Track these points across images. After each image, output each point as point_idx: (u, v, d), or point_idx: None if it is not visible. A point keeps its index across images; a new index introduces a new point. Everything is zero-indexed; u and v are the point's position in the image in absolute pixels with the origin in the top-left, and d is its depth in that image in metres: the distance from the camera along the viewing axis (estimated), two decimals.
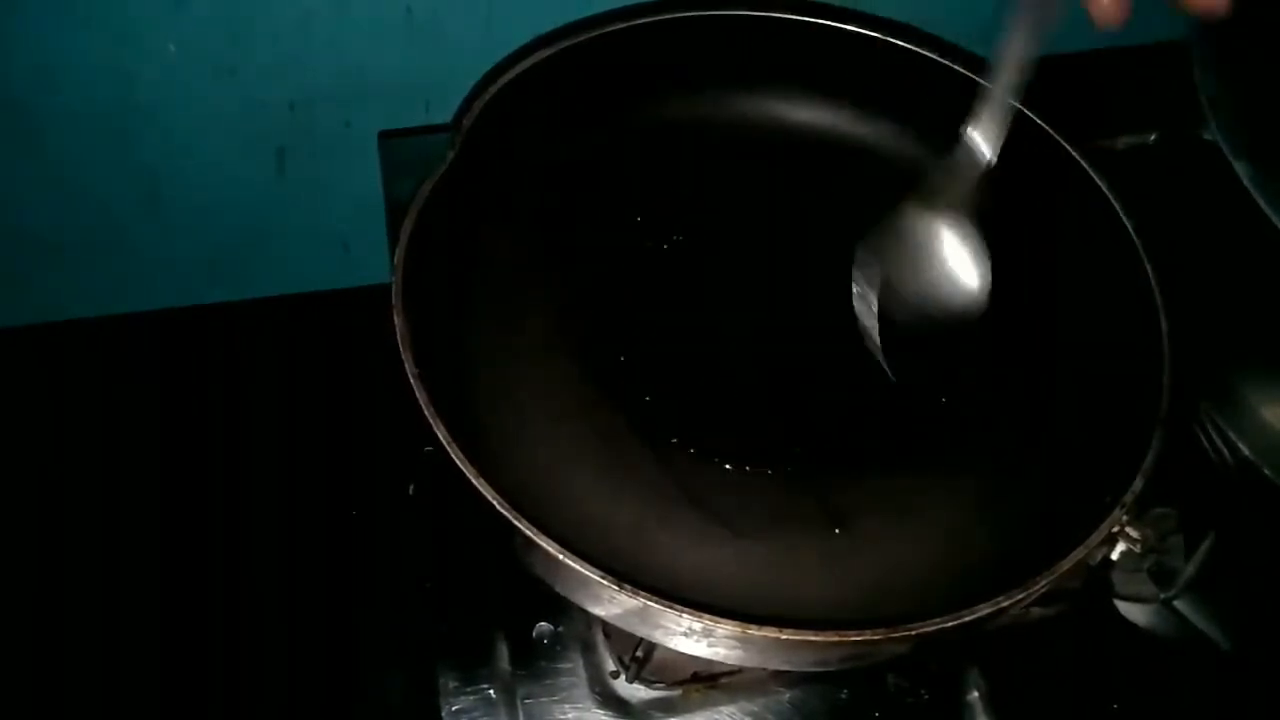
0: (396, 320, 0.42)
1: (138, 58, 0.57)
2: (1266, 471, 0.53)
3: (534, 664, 0.47)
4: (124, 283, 0.72)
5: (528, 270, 0.52)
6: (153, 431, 0.72)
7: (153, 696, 0.66)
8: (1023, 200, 0.55)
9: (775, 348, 0.52)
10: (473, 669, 0.46)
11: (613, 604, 0.38)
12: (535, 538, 0.37)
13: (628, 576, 0.37)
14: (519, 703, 0.46)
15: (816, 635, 0.37)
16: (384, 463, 0.65)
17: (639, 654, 0.45)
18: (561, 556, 0.37)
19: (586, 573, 0.37)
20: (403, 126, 0.62)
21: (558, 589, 0.41)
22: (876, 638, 0.37)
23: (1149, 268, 0.48)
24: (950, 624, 0.37)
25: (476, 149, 0.49)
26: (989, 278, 0.45)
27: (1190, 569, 0.44)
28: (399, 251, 0.45)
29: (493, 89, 0.50)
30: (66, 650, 0.67)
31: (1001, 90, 0.41)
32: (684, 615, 0.36)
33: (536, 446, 0.47)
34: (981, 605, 0.38)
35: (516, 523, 0.37)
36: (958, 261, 0.45)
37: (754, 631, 0.36)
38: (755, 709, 0.46)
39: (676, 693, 0.46)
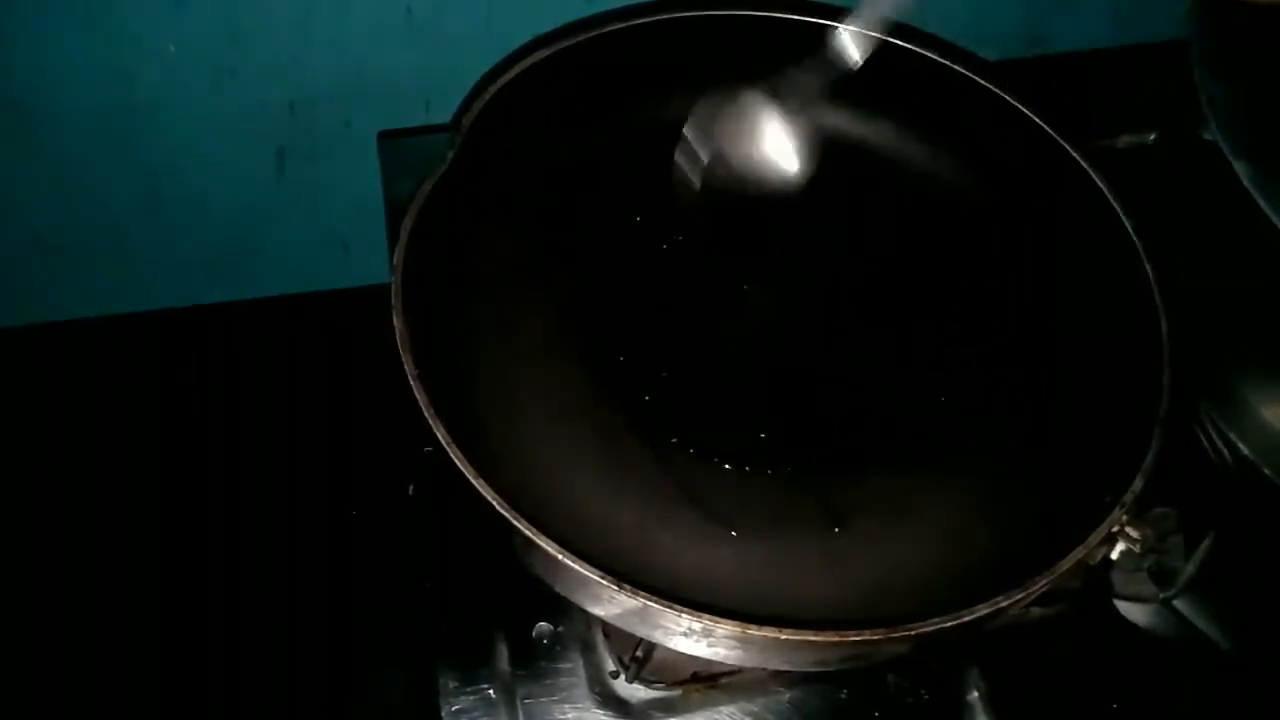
0: (396, 320, 0.42)
1: (138, 58, 0.57)
2: (1266, 471, 0.53)
3: (534, 664, 0.47)
4: (124, 283, 0.72)
5: (528, 270, 0.52)
6: (153, 431, 0.72)
7: (153, 696, 0.66)
8: (1023, 200, 0.55)
9: (775, 348, 0.52)
10: (473, 669, 0.46)
11: (613, 604, 0.38)
12: (535, 538, 0.37)
13: (628, 576, 0.37)
14: (519, 703, 0.46)
15: (816, 635, 0.37)
16: (384, 463, 0.66)
17: (639, 654, 0.45)
18: (561, 556, 0.37)
19: (586, 573, 0.37)
20: (403, 126, 0.62)
21: (558, 589, 0.41)
22: (876, 638, 0.37)
23: (1149, 268, 0.48)
24: (950, 624, 0.37)
25: (476, 149, 0.49)
26: (809, 167, 0.45)
27: (1190, 569, 0.44)
28: (399, 251, 0.45)
29: (493, 89, 0.50)
30: (67, 649, 0.67)
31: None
32: (684, 615, 0.36)
33: (536, 446, 0.47)
34: (981, 605, 0.38)
35: (516, 523, 0.37)
36: (783, 148, 0.45)
37: (754, 631, 0.36)
38: (755, 709, 0.46)
39: (676, 693, 0.46)
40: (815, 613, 0.40)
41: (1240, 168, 0.46)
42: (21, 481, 0.70)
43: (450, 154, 0.48)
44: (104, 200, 0.66)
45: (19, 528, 0.69)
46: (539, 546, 0.37)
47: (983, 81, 0.53)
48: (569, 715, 0.46)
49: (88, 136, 0.61)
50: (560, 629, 0.48)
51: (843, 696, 0.47)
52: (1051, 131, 0.52)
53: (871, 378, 0.51)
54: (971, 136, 0.56)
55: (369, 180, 0.59)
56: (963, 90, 0.54)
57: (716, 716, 0.46)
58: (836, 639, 0.37)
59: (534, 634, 0.48)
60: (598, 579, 0.37)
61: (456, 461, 0.39)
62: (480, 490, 0.38)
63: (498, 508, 0.38)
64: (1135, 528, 0.41)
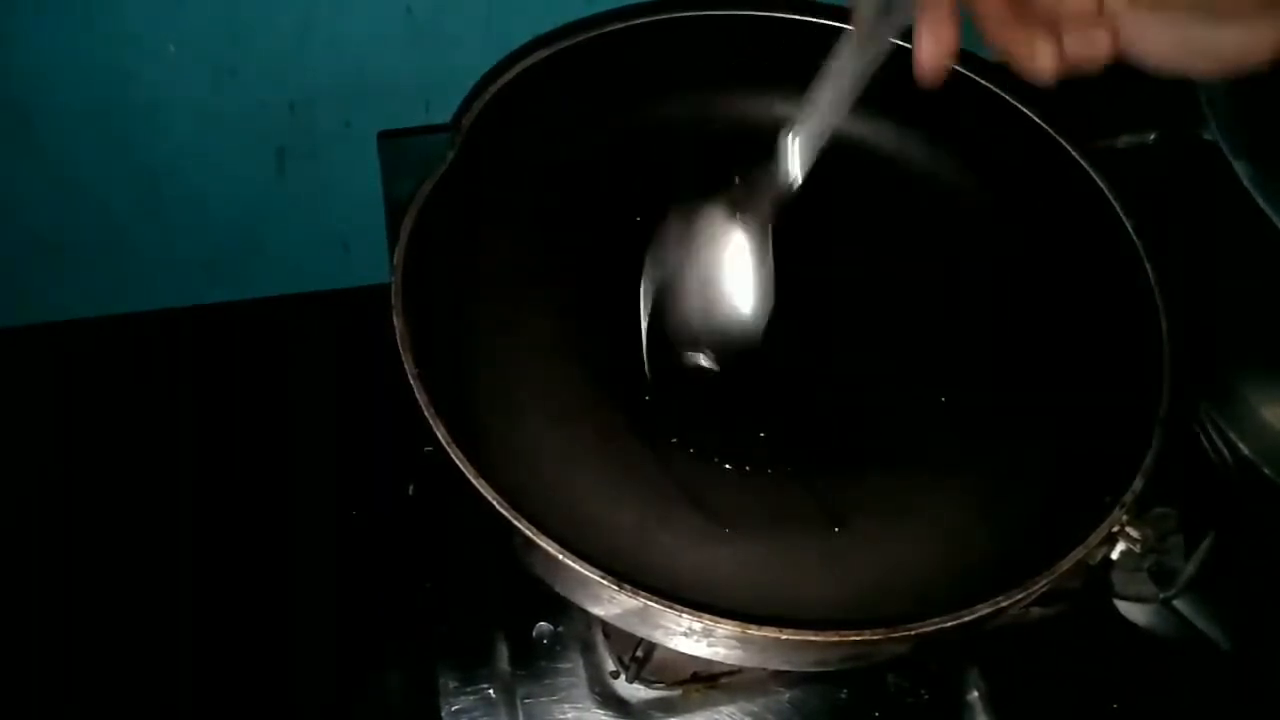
0: (396, 320, 0.42)
1: (138, 58, 0.57)
2: (1266, 471, 0.53)
3: (534, 664, 0.47)
4: (124, 283, 0.72)
5: (528, 270, 0.52)
6: (153, 431, 0.72)
7: (153, 696, 0.66)
8: (1023, 200, 0.55)
9: (775, 348, 0.52)
10: (473, 669, 0.46)
11: (613, 604, 0.38)
12: (535, 538, 0.37)
13: (628, 576, 0.37)
14: (519, 703, 0.46)
15: (816, 635, 0.37)
16: (384, 463, 0.65)
17: (639, 654, 0.45)
18: (561, 556, 0.37)
19: (586, 573, 0.37)
20: (403, 126, 0.62)
21: (558, 589, 0.41)
22: (876, 638, 0.37)
23: (1149, 268, 0.48)
24: (950, 624, 0.37)
25: (476, 149, 0.49)
26: (768, 302, 0.44)
27: (1190, 569, 0.44)
28: (399, 251, 0.45)
29: (493, 89, 0.50)
30: (67, 648, 0.67)
31: (823, 110, 0.39)
32: (684, 615, 0.36)
33: (536, 446, 0.47)
34: (981, 605, 0.38)
35: (516, 523, 0.37)
36: (737, 283, 0.44)
37: (754, 631, 0.36)
38: (755, 709, 0.46)
39: (676, 693, 0.46)
40: (815, 613, 0.40)
41: (1240, 168, 0.46)
42: (22, 481, 0.70)
43: (450, 154, 0.48)
44: (104, 200, 0.66)
45: (19, 528, 0.69)
46: (539, 546, 0.37)
47: (983, 81, 0.53)
48: (569, 715, 0.46)
49: (88, 136, 0.61)
50: (560, 629, 0.48)
51: (843, 696, 0.47)
52: (1051, 131, 0.52)
53: (871, 378, 0.51)
54: (971, 136, 0.56)
55: (369, 180, 0.59)
56: (963, 90, 0.54)
57: (716, 716, 0.46)
58: (836, 639, 0.37)
59: (534, 634, 0.47)
60: (598, 579, 0.37)
61: (456, 461, 0.39)
62: (480, 490, 0.38)
63: (498, 508, 0.38)
64: (1135, 528, 0.41)
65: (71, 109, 0.59)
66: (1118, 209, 0.50)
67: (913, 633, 0.37)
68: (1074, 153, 0.52)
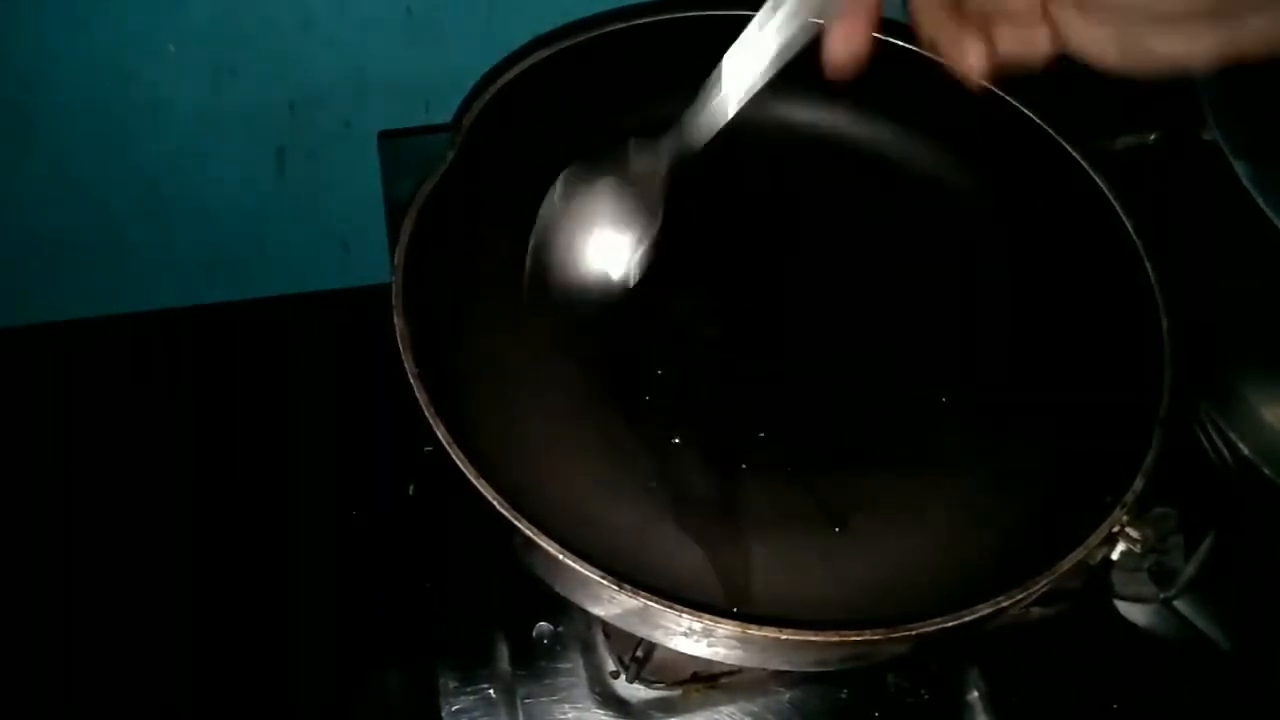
0: (396, 320, 0.42)
1: (138, 58, 0.57)
2: (1266, 471, 0.53)
3: (534, 664, 0.47)
4: (124, 283, 0.72)
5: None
6: (153, 431, 0.72)
7: (153, 696, 0.66)
8: (1023, 200, 0.55)
9: (775, 348, 0.52)
10: (473, 669, 0.46)
11: (613, 604, 0.38)
12: (535, 538, 0.37)
13: (628, 576, 0.37)
14: (519, 703, 0.46)
15: (816, 635, 0.37)
16: (384, 463, 0.65)
17: (639, 654, 0.45)
18: (561, 556, 0.37)
19: (586, 573, 0.37)
20: (403, 126, 0.62)
21: (558, 589, 0.41)
22: (876, 638, 0.37)
23: (1149, 267, 0.48)
24: (950, 624, 0.37)
25: (476, 149, 0.49)
26: (638, 263, 0.43)
27: (1190, 569, 0.44)
28: (399, 251, 0.45)
29: (493, 89, 0.50)
30: (67, 648, 0.67)
31: (732, 80, 0.39)
32: (684, 615, 0.36)
33: (536, 446, 0.47)
34: (981, 605, 0.38)
35: (516, 523, 0.37)
36: (611, 240, 0.43)
37: (754, 631, 0.36)
38: (755, 709, 0.46)
39: (676, 693, 0.46)
40: (815, 613, 0.40)
41: (1240, 168, 0.46)
42: (22, 481, 0.70)
43: (450, 154, 0.48)
44: (104, 200, 0.66)
45: (19, 528, 0.69)
46: (539, 546, 0.37)
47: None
48: (569, 715, 0.46)
49: (87, 136, 0.61)
50: (560, 629, 0.48)
51: (843, 696, 0.47)
52: (1051, 131, 0.52)
53: (872, 378, 0.51)
54: (971, 136, 0.56)
55: (369, 180, 0.59)
56: (963, 90, 0.54)
57: (716, 716, 0.46)
58: (837, 639, 0.37)
59: (534, 634, 0.47)
60: (598, 579, 0.37)
61: (456, 461, 0.39)
62: (480, 490, 0.38)
63: (498, 508, 0.38)
64: (1135, 528, 0.41)
65: (71, 109, 0.59)
66: (1118, 209, 0.50)
67: (913, 633, 0.37)
68: (1074, 153, 0.52)
